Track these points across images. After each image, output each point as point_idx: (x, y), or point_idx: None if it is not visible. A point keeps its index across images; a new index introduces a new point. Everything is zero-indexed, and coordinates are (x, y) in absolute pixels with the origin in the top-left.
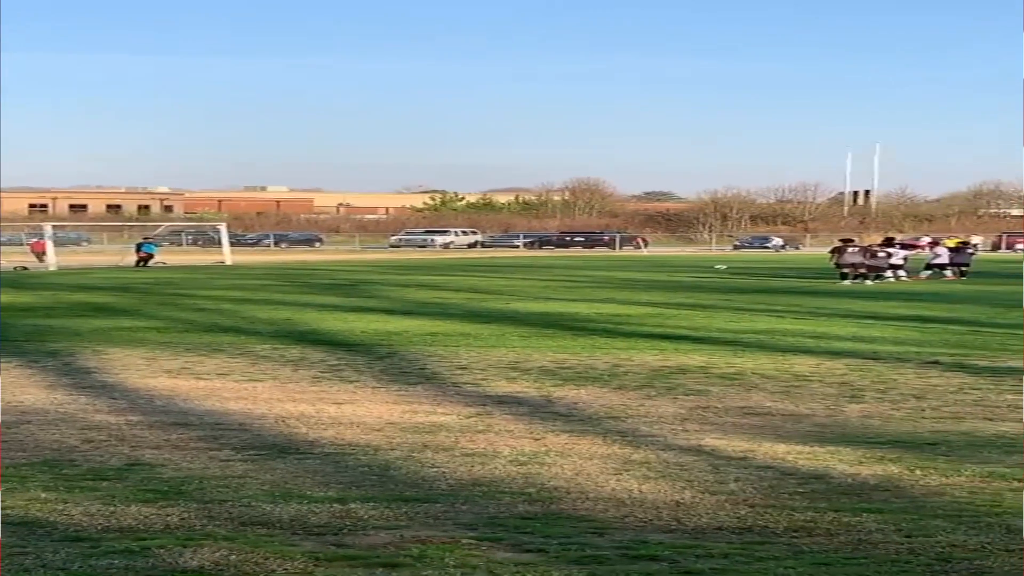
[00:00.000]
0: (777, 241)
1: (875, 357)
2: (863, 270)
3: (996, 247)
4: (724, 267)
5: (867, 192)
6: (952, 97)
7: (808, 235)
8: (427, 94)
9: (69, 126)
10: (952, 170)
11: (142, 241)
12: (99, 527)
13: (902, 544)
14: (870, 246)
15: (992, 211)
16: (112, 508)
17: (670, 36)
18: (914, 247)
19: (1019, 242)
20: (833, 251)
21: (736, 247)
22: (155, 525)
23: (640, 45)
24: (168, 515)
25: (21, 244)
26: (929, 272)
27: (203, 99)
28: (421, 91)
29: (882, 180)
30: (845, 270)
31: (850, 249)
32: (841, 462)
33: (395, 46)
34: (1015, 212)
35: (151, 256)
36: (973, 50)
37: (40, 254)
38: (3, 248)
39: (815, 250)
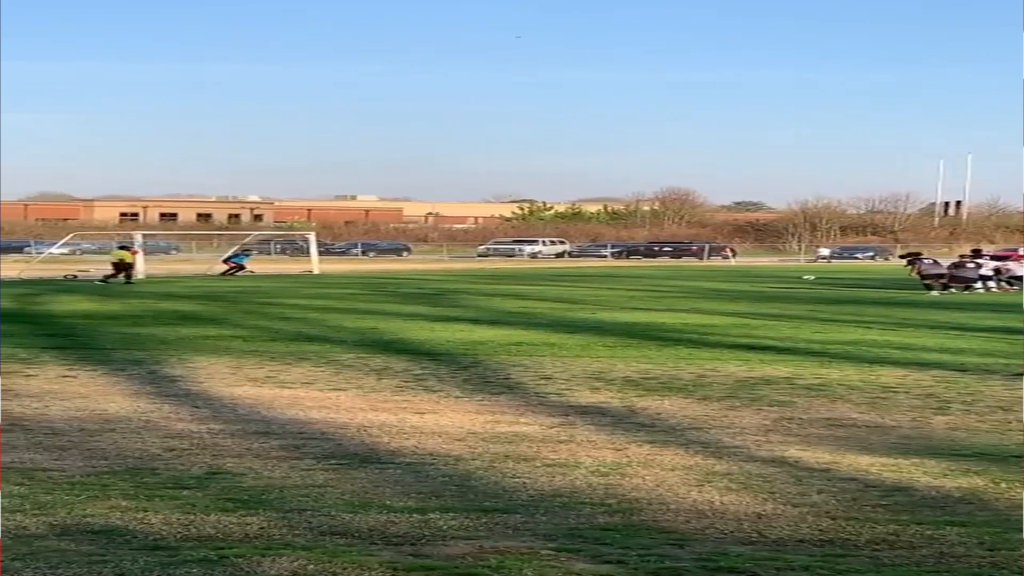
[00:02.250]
0: (823, 252)
1: (962, 369)
2: (943, 280)
3: None
4: (812, 277)
5: (958, 203)
6: None
7: (898, 246)
8: (517, 102)
9: (161, 135)
10: None
11: (234, 252)
12: (178, 536)
13: (984, 558)
14: (960, 256)
15: None
16: (192, 517)
17: (761, 46)
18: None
19: None
20: (909, 264)
21: (824, 258)
22: (234, 534)
23: (730, 55)
24: (247, 524)
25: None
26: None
27: (296, 108)
28: (511, 99)
29: (974, 190)
30: (928, 281)
31: (926, 261)
32: (925, 474)
33: (485, 55)
34: None
35: (240, 267)
36: None
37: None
38: (92, 256)
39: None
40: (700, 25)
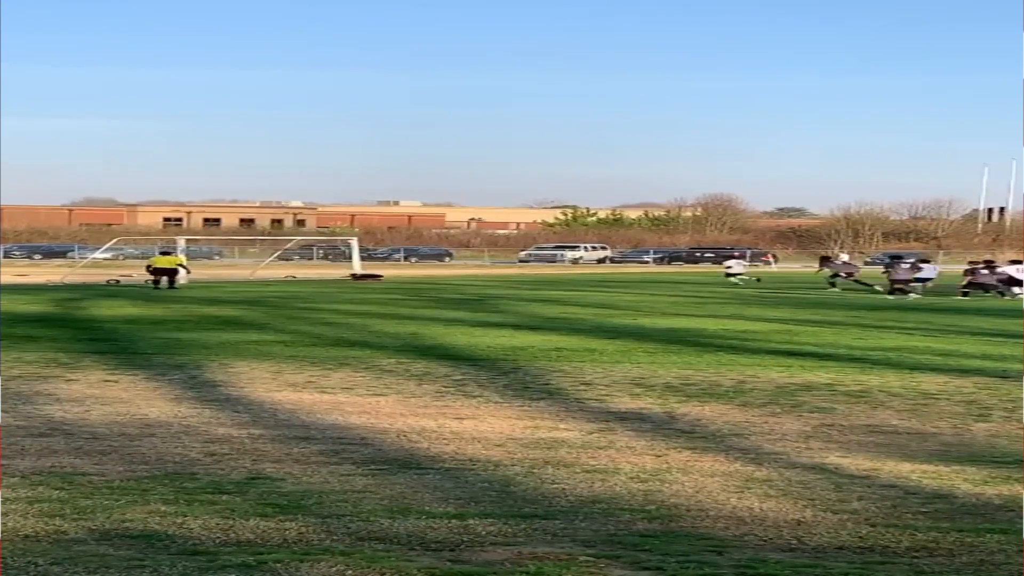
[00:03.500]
0: (844, 258)
1: (1004, 375)
2: (905, 285)
3: None
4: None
5: (1002, 209)
6: None
7: (940, 252)
8: (560, 109)
9: (205, 140)
10: None
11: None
12: (217, 541)
13: None
14: (990, 262)
15: None
16: (231, 522)
17: (802, 52)
18: None
19: None
20: (886, 267)
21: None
22: (273, 539)
23: (772, 61)
24: (286, 529)
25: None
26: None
27: (339, 113)
28: (554, 106)
29: (1019, 196)
30: (897, 286)
31: (903, 265)
32: (966, 481)
33: (528, 61)
34: None
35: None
36: None
37: None
38: (136, 261)
39: (947, 268)
40: (742, 31)
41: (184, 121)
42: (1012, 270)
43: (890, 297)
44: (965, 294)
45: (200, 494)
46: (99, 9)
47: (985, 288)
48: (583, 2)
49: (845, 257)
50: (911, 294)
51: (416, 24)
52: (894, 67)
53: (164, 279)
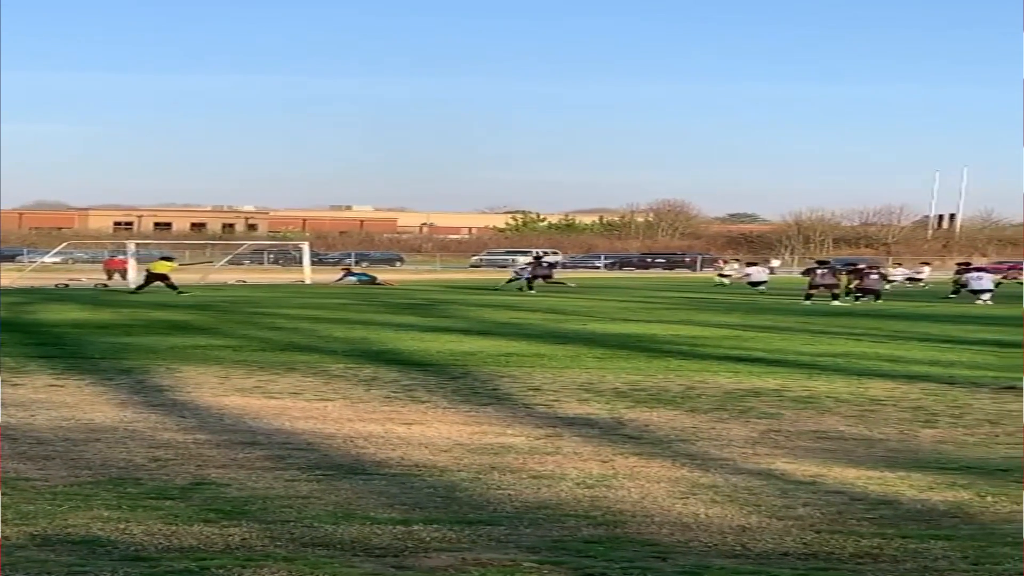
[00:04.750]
0: (775, 263)
1: (951, 381)
2: (836, 290)
3: None
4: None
5: (952, 215)
6: None
7: (890, 258)
8: (513, 114)
9: (156, 145)
10: None
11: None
12: (159, 546)
13: (968, 572)
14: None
15: None
16: (174, 527)
17: (756, 59)
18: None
19: None
20: (805, 272)
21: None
22: (215, 545)
23: (725, 67)
24: (229, 535)
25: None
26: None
27: (292, 118)
28: (507, 111)
29: (969, 203)
30: (812, 291)
31: (819, 271)
32: (911, 487)
33: (480, 66)
34: None
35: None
36: None
37: (115, 271)
38: (85, 265)
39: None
40: (693, 37)
41: (135, 125)
42: (973, 276)
43: (807, 302)
44: (857, 298)
45: (144, 499)
46: (48, 13)
47: (874, 293)
48: (535, 7)
49: (776, 263)
50: (835, 300)
51: (366, 28)
52: (846, 75)
53: (159, 282)
